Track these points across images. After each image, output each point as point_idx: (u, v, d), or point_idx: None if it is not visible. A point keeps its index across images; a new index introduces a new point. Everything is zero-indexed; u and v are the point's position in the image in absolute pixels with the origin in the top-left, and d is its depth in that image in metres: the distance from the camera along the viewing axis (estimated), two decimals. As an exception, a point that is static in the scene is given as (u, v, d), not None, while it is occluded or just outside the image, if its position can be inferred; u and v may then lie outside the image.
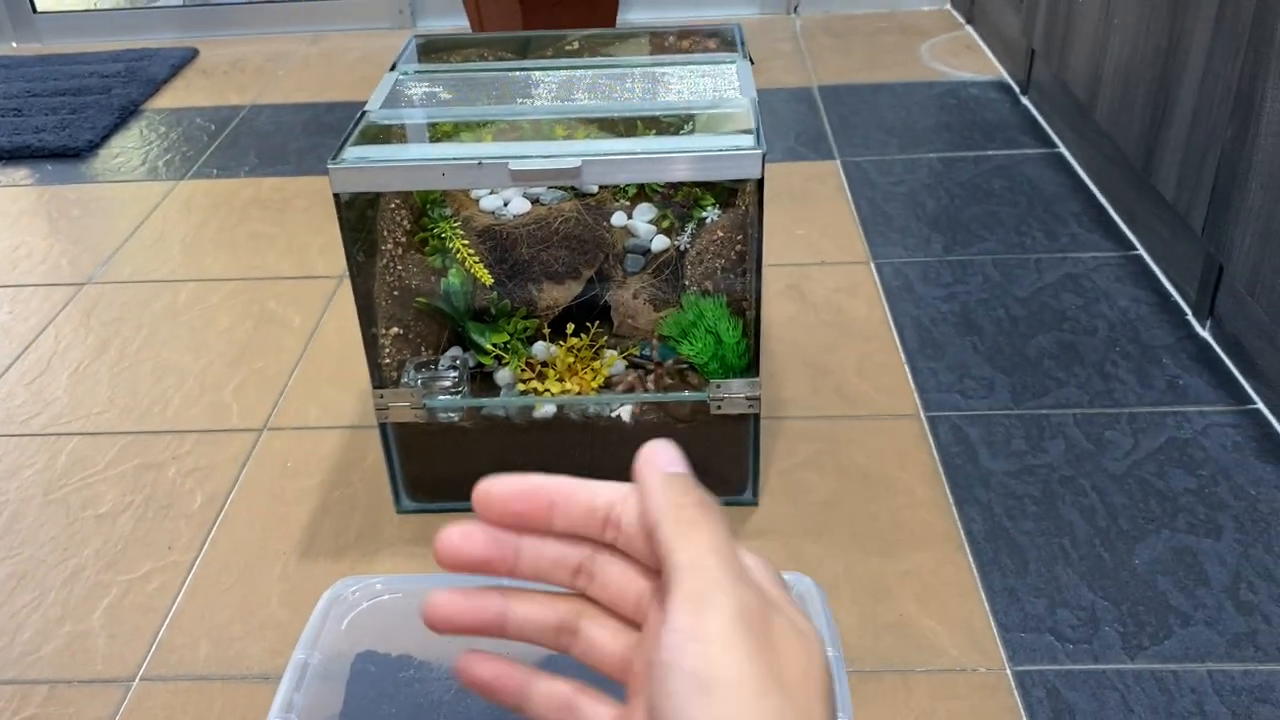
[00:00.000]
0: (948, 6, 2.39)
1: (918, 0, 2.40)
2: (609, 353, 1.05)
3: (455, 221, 1.02)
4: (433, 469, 1.05)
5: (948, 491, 1.07)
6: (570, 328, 1.05)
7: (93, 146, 1.93)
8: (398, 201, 1.02)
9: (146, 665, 0.93)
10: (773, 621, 0.29)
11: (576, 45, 1.17)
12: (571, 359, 1.04)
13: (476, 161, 0.88)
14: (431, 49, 1.16)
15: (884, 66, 2.09)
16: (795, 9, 2.42)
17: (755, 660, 0.28)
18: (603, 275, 1.05)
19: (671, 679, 0.28)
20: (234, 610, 0.98)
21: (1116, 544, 1.00)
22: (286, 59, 2.32)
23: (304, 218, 1.66)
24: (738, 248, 1.01)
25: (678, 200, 1.06)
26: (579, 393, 1.03)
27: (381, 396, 1.00)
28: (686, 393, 1.02)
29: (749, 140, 0.90)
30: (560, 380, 1.04)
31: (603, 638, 0.34)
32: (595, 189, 1.06)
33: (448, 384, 1.02)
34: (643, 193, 1.07)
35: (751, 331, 0.99)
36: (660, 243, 1.05)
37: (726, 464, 1.04)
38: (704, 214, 1.02)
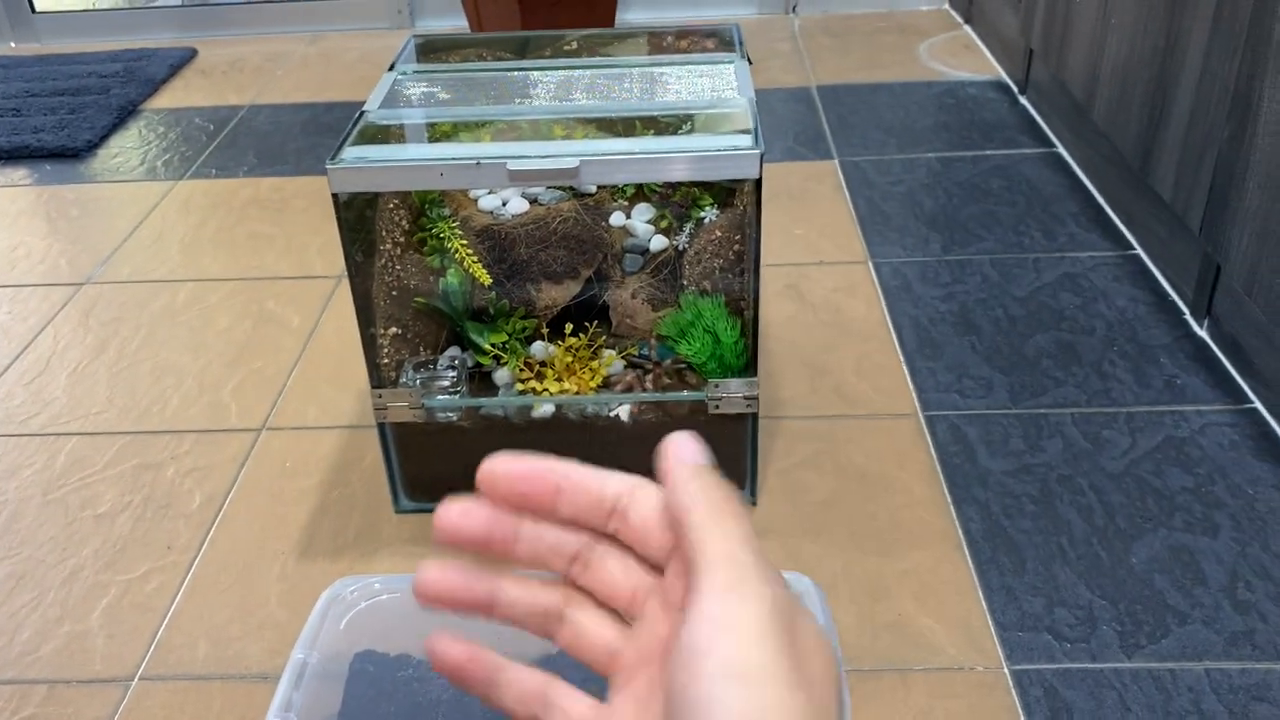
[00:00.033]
0: (946, 6, 2.40)
1: (916, 0, 2.40)
2: (607, 352, 1.05)
3: (454, 221, 1.03)
4: (431, 469, 1.05)
5: (946, 491, 1.07)
6: (569, 327, 1.05)
7: (91, 146, 1.93)
8: (396, 201, 1.02)
9: (145, 665, 0.93)
10: (798, 620, 0.29)
11: (575, 45, 1.17)
12: (570, 359, 1.04)
13: (475, 161, 0.88)
14: (430, 49, 1.16)
15: (882, 66, 2.09)
16: (793, 9, 2.42)
17: (786, 655, 0.28)
18: (601, 275, 1.05)
19: (703, 665, 0.28)
20: (233, 610, 0.98)
21: (1114, 543, 1.00)
22: (285, 59, 2.32)
23: (303, 218, 1.66)
24: (736, 247, 1.01)
25: (676, 200, 1.06)
26: (577, 392, 1.03)
27: (380, 396, 1.00)
28: (685, 392, 1.02)
29: (747, 140, 0.90)
30: (559, 380, 1.04)
31: (591, 627, 0.34)
32: (593, 189, 1.06)
33: (446, 384, 1.02)
34: (641, 193, 1.07)
35: (750, 331, 0.99)
36: (658, 243, 1.05)
37: (725, 464, 1.04)
38: (702, 214, 1.03)
